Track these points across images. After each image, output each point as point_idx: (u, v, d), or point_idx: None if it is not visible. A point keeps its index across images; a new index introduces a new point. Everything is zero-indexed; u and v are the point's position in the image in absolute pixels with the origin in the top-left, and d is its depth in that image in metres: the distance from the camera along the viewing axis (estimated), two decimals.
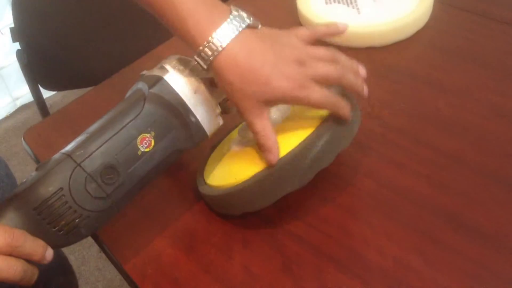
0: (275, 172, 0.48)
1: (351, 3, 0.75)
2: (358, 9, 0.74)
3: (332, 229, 0.51)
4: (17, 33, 1.04)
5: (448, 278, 0.46)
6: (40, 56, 1.08)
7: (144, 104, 0.49)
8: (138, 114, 0.48)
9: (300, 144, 0.49)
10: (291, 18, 0.80)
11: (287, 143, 0.49)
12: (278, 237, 0.52)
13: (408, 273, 0.47)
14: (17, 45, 1.06)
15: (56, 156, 0.47)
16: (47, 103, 1.14)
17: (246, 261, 0.50)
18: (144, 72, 0.53)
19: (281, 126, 0.53)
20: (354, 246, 0.50)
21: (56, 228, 0.45)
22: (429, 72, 0.67)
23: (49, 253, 0.45)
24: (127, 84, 0.76)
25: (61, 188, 0.44)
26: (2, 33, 1.80)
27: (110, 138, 0.47)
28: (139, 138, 0.48)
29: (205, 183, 0.55)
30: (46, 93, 1.16)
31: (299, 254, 0.50)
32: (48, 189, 0.44)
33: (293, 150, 0.48)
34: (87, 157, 0.46)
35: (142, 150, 0.48)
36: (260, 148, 0.50)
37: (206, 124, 0.51)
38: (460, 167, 0.55)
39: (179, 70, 0.50)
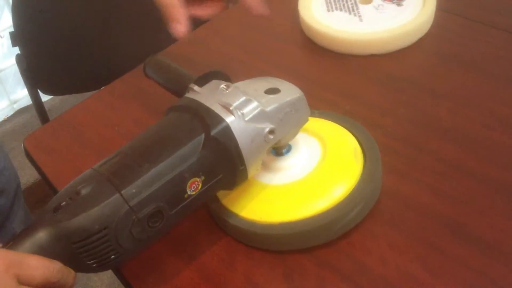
0: (316, 228, 0.49)
1: (353, 10, 0.75)
2: (360, 16, 0.74)
3: (335, 238, 0.51)
4: (17, 38, 1.03)
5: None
6: (39, 60, 1.07)
7: (202, 147, 0.47)
8: (196, 158, 0.46)
9: (335, 208, 0.50)
10: (292, 25, 0.80)
11: (323, 199, 0.51)
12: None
13: (411, 283, 0.47)
14: (16, 49, 1.05)
15: (101, 181, 0.44)
16: (46, 107, 1.14)
17: (248, 271, 0.50)
18: (197, 89, 0.51)
19: (314, 176, 0.53)
20: (357, 256, 0.50)
21: (91, 262, 0.44)
22: (432, 79, 0.67)
23: (75, 280, 0.44)
24: (129, 90, 0.76)
25: (107, 227, 0.43)
26: (1, 36, 1.79)
27: (164, 180, 0.45)
28: (189, 182, 0.46)
29: (233, 212, 0.53)
30: (44, 97, 1.15)
31: (301, 264, 0.50)
32: (94, 226, 0.42)
33: (328, 213, 0.50)
34: (139, 200, 0.44)
35: (189, 193, 0.46)
36: (167, 18, 0.55)
37: (251, 170, 0.49)
38: (462, 177, 0.55)
39: (242, 114, 0.47)
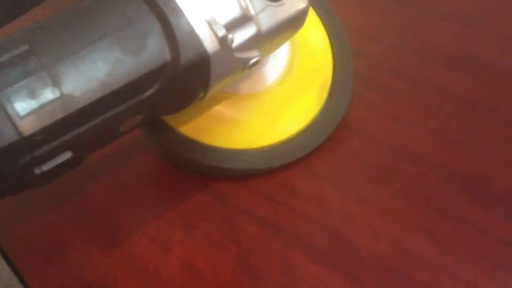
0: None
1: None
2: None
3: (306, 205, 0.38)
4: None
5: (466, 265, 0.34)
6: None
7: (161, 77, 0.30)
8: (152, 92, 0.30)
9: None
10: None
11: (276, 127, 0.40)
12: (232, 218, 0.38)
13: (411, 261, 0.34)
14: None
15: None
16: None
17: (188, 254, 0.37)
18: None
19: (271, 94, 0.41)
20: (337, 228, 0.37)
21: None
22: None
23: None
24: None
25: None
26: None
27: (91, 124, 0.29)
28: (126, 122, 0.31)
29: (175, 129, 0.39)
30: None
31: (260, 242, 0.37)
32: None
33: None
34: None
35: (120, 130, 0.32)
36: None
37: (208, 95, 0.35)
38: (474, 116, 0.41)
39: (231, 41, 0.32)
